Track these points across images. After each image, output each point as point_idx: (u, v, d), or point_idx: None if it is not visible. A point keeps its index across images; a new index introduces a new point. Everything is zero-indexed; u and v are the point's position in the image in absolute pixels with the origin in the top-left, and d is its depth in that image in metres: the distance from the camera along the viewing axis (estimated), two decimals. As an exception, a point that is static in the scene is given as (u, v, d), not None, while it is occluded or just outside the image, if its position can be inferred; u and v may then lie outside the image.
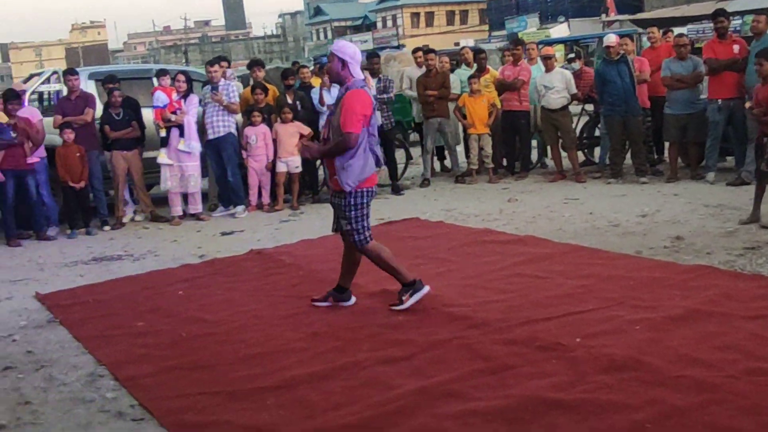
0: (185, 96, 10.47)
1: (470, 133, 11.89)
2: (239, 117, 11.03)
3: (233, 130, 10.80)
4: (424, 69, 12.10)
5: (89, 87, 11.16)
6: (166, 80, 10.58)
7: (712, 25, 11.03)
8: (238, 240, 9.20)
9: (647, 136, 11.18)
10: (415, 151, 13.35)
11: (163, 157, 10.42)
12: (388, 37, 63.97)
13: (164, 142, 10.43)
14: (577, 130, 12.21)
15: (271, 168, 10.91)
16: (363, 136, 5.84)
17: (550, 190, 10.82)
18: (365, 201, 5.95)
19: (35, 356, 5.64)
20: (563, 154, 11.63)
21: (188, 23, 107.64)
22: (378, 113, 11.24)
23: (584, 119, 12.57)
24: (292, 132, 10.82)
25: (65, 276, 8.07)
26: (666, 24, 13.75)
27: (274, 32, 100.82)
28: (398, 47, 40.98)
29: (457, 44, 41.56)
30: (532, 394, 4.26)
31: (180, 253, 8.67)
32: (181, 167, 10.43)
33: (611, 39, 11.02)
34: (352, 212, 5.90)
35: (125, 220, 10.69)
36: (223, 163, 10.75)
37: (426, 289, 6.04)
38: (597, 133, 12.19)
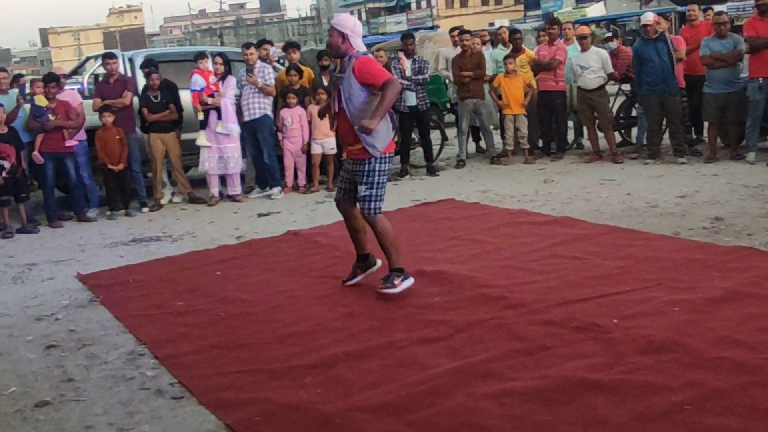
0: (223, 78, 10.53)
1: (506, 114, 11.83)
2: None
3: (269, 112, 10.84)
4: (460, 49, 12.04)
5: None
6: (204, 63, 10.63)
7: (753, 2, 10.84)
8: (275, 221, 9.25)
9: (683, 115, 11.05)
10: (451, 132, 13.32)
11: (202, 139, 10.51)
12: (423, 18, 63.59)
13: (203, 125, 10.52)
14: (614, 110, 12.09)
15: (307, 149, 10.94)
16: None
17: (586, 171, 10.75)
18: (387, 167, 5.99)
19: (77, 335, 5.73)
20: (600, 134, 11.53)
21: (223, 6, 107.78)
22: (412, 94, 11.27)
23: (621, 99, 12.44)
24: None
25: (106, 257, 8.18)
26: (706, 1, 13.56)
27: (309, 14, 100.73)
28: (432, 28, 40.81)
29: (491, 24, 41.28)
30: (570, 375, 4.26)
31: (217, 235, 8.75)
32: (220, 149, 10.52)
33: (648, 17, 10.87)
34: (376, 177, 5.89)
35: (163, 201, 10.79)
36: (259, 145, 10.80)
37: (412, 280, 6.02)
38: (634, 113, 12.07)
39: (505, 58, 11.86)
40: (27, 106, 9.91)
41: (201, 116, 10.50)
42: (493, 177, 11.00)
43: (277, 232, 8.56)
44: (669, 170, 10.23)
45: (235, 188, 10.76)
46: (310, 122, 10.87)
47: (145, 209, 10.50)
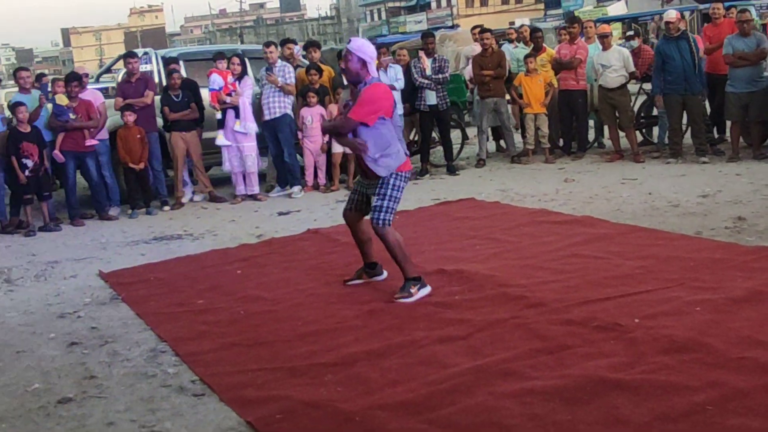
0: (240, 78, 10.58)
1: (527, 113, 11.81)
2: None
3: (289, 111, 10.87)
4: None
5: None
6: (223, 63, 10.67)
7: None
8: (295, 220, 9.28)
9: (704, 114, 10.98)
10: (471, 131, 13.29)
11: (221, 138, 10.58)
12: (443, 17, 63.48)
13: (221, 124, 10.58)
14: (635, 110, 12.03)
15: (327, 148, 10.96)
16: (389, 128, 5.89)
17: (607, 170, 10.70)
18: (403, 185, 5.97)
19: (99, 332, 5.77)
20: (621, 133, 11.48)
21: (243, 6, 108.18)
22: (433, 93, 11.27)
23: (642, 98, 12.38)
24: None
25: (127, 255, 8.23)
26: None
27: (328, 14, 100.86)
28: (453, 27, 40.73)
29: (511, 23, 41.17)
30: (591, 374, 4.24)
31: (238, 233, 8.78)
32: (239, 148, 10.58)
33: (671, 15, 10.81)
34: (390, 190, 5.88)
35: (184, 200, 10.85)
36: (280, 144, 10.83)
37: (429, 289, 5.99)
38: (655, 112, 12.01)
39: (526, 57, 11.84)
40: (49, 106, 9.99)
41: (219, 115, 10.56)
42: (513, 176, 10.97)
43: (297, 230, 8.58)
44: (691, 170, 10.17)
45: (254, 187, 10.80)
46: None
47: (166, 208, 10.56)
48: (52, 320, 6.16)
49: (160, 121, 10.78)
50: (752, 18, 10.64)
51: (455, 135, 12.45)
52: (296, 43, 12.34)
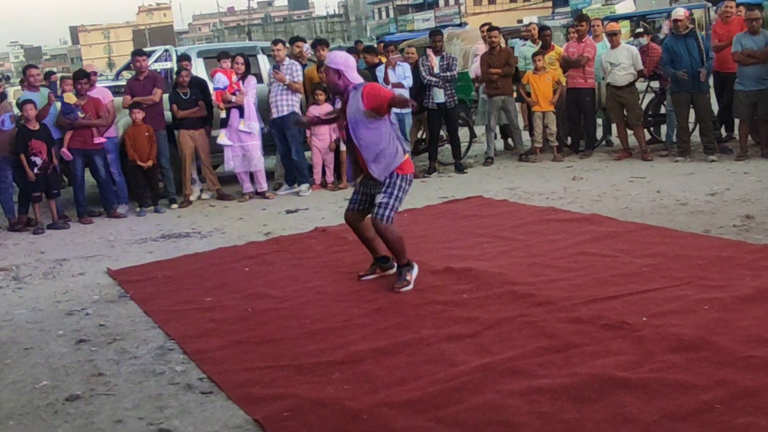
0: (243, 77, 10.58)
1: (534, 111, 11.79)
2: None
3: (297, 109, 10.87)
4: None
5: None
6: (227, 63, 10.67)
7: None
8: (303, 218, 9.28)
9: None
10: (479, 129, 13.28)
11: (223, 137, 10.57)
12: (450, 15, 63.42)
13: (224, 123, 10.58)
14: (643, 108, 11.99)
15: (335, 147, 10.96)
16: (387, 127, 6.03)
17: (615, 169, 10.68)
18: (408, 188, 6.15)
19: (107, 330, 5.79)
20: (629, 131, 11.45)
21: (252, 4, 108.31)
22: (440, 91, 11.26)
23: (650, 96, 12.35)
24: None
25: (135, 252, 8.24)
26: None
27: (337, 12, 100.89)
28: (461, 25, 40.68)
29: (519, 21, 41.12)
30: (598, 373, 4.23)
31: (246, 231, 8.79)
32: (243, 147, 10.57)
33: (680, 12, 10.79)
34: (396, 191, 6.03)
35: (192, 198, 10.86)
36: (288, 142, 10.84)
37: (416, 267, 6.24)
38: (663, 110, 11.98)
39: (534, 55, 11.82)
40: (58, 104, 10.01)
41: (223, 114, 10.56)
42: (521, 174, 10.96)
43: (305, 228, 8.59)
44: (699, 168, 10.14)
45: (262, 185, 10.80)
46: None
47: (174, 206, 10.57)
48: (60, 317, 6.18)
49: (168, 115, 10.75)
50: (761, 16, 10.58)
51: (463, 133, 12.43)
52: (306, 42, 12.35)
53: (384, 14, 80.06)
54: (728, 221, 7.36)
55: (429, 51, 11.61)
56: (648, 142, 11.76)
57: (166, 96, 10.67)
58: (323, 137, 10.93)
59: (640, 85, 11.88)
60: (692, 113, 10.81)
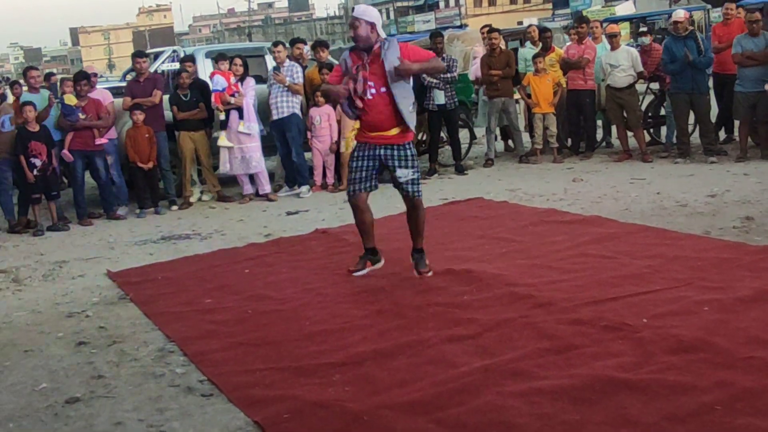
0: (242, 79, 10.57)
1: (535, 113, 11.79)
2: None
3: (297, 111, 10.87)
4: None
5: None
6: (225, 64, 10.66)
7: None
8: (303, 219, 9.28)
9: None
10: (479, 131, 13.28)
11: (223, 140, 10.55)
12: (451, 17, 63.44)
13: (224, 125, 10.56)
14: (643, 109, 11.99)
15: (336, 148, 10.96)
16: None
17: (615, 170, 10.68)
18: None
19: (107, 332, 5.79)
20: (629, 133, 11.45)
21: (252, 5, 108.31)
22: (441, 92, 11.26)
23: (649, 98, 12.35)
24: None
25: (135, 254, 8.24)
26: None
27: (337, 14, 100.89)
28: (461, 27, 40.70)
29: (520, 23, 41.11)
30: (599, 374, 4.23)
31: (246, 233, 8.78)
32: (242, 149, 10.55)
33: (680, 14, 10.81)
34: (414, 162, 6.17)
35: (192, 200, 10.85)
36: (288, 144, 10.84)
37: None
38: (662, 112, 11.98)
39: (535, 56, 11.82)
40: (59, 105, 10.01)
41: (222, 116, 10.54)
42: (521, 176, 10.96)
43: (305, 230, 8.59)
44: (699, 169, 10.14)
45: (264, 186, 10.79)
46: (339, 121, 10.88)
47: (175, 207, 10.57)
48: (60, 320, 6.17)
49: (169, 115, 10.75)
50: (761, 18, 10.58)
51: (463, 134, 12.44)
52: (306, 43, 12.34)
53: (384, 16, 79.93)
54: (728, 223, 7.36)
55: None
56: (648, 143, 11.76)
57: (166, 97, 10.68)
58: (324, 139, 10.93)
59: (640, 86, 11.88)
60: (692, 115, 10.82)
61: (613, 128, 12.01)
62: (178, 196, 10.80)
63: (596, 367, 4.35)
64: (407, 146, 6.17)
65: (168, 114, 10.69)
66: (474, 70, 12.67)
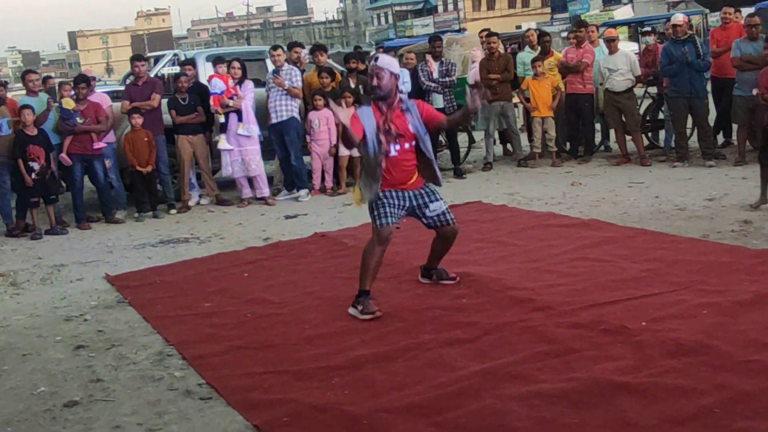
0: (240, 82, 10.58)
1: (534, 116, 11.80)
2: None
3: (296, 115, 10.88)
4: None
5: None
6: (223, 67, 10.66)
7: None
8: (302, 223, 9.28)
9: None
10: (478, 135, 13.29)
11: (223, 143, 10.56)
12: (449, 21, 63.53)
13: (223, 128, 10.56)
14: (641, 113, 11.99)
15: (335, 152, 10.96)
16: None
17: (614, 174, 10.69)
18: None
19: (106, 335, 5.78)
20: (627, 137, 11.46)
21: (250, 9, 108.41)
22: (440, 96, 11.27)
23: (647, 102, 12.36)
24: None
25: (133, 258, 8.24)
26: (733, 4, 13.43)
27: (335, 17, 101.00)
28: (460, 31, 40.76)
29: (518, 27, 41.17)
30: (598, 377, 4.23)
31: (245, 236, 8.78)
32: (241, 152, 10.55)
33: (678, 18, 10.83)
34: (438, 194, 6.12)
35: (191, 203, 10.85)
36: (287, 148, 10.84)
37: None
38: (661, 116, 11.99)
39: (533, 60, 11.82)
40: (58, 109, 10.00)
41: (221, 119, 10.54)
42: (520, 180, 10.97)
43: (304, 234, 8.58)
44: (697, 173, 10.15)
45: (263, 190, 10.79)
46: (337, 125, 10.88)
47: (173, 211, 10.56)
48: (58, 323, 6.17)
49: (168, 118, 10.75)
50: (760, 22, 10.60)
51: (462, 138, 12.44)
52: (303, 47, 12.35)
53: (383, 20, 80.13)
54: (726, 226, 7.36)
55: (428, 56, 11.63)
56: (646, 147, 11.77)
57: (165, 101, 10.68)
58: (323, 142, 10.93)
59: (639, 90, 11.89)
60: (690, 119, 10.83)
61: (612, 132, 12.02)
62: (177, 199, 10.80)
63: (595, 370, 4.35)
64: (427, 184, 6.06)
65: (167, 118, 10.68)
66: (473, 74, 12.67)
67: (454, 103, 11.57)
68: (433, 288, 6.19)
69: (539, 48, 12.30)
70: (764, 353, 4.37)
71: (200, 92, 10.74)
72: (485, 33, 12.64)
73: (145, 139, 10.23)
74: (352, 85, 11.10)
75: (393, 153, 5.80)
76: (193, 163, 10.87)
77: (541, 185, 10.33)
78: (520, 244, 7.33)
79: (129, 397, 4.63)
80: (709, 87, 11.13)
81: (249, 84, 10.70)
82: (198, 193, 11.19)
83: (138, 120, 10.21)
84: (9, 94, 11.96)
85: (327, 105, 10.44)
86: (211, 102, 10.56)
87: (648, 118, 12.22)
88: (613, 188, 9.66)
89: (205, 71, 11.41)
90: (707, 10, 26.90)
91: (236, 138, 10.53)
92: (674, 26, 10.69)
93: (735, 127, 10.99)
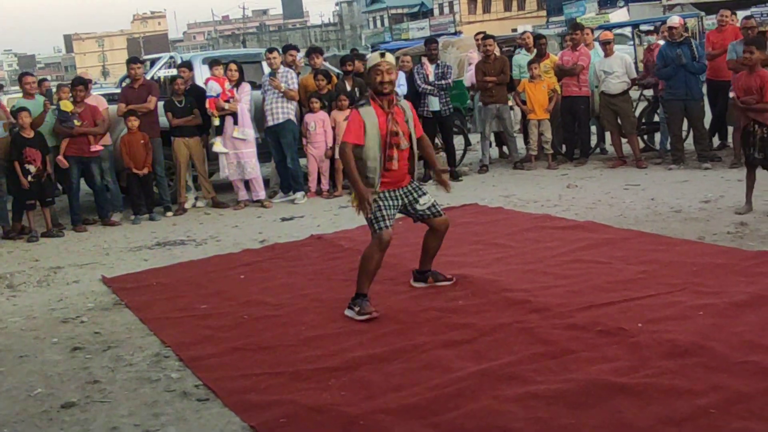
0: (237, 84, 10.58)
1: (530, 119, 11.81)
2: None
3: (292, 117, 10.88)
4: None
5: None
6: (219, 70, 10.65)
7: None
8: (298, 225, 9.28)
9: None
10: (474, 137, 13.30)
11: (218, 146, 10.55)
12: (445, 24, 63.50)
13: (219, 131, 10.55)
14: (636, 115, 12.01)
15: (331, 154, 10.97)
16: None
17: (610, 176, 10.70)
18: None
19: (102, 337, 5.78)
20: (623, 139, 11.49)
21: (246, 12, 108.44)
22: (435, 99, 11.28)
23: (643, 104, 12.38)
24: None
25: (130, 260, 8.24)
26: (729, 6, 13.48)
27: (331, 21, 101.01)
28: (455, 34, 40.79)
29: (514, 30, 41.18)
30: (594, 379, 4.24)
31: (241, 238, 8.78)
32: (237, 155, 10.55)
33: (675, 20, 10.84)
34: (423, 188, 6.15)
35: (187, 206, 10.85)
36: (283, 150, 10.84)
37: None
38: (656, 118, 12.01)
39: (530, 63, 11.84)
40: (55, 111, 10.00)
41: (217, 122, 10.53)
42: (516, 182, 10.98)
43: (300, 236, 8.59)
44: (693, 175, 10.17)
45: (259, 193, 10.79)
46: (333, 127, 10.89)
47: (169, 213, 10.56)
48: (55, 325, 6.17)
49: (164, 121, 10.74)
50: (756, 24, 10.62)
51: (458, 141, 12.46)
52: (298, 50, 12.34)
53: (379, 23, 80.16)
54: (722, 228, 7.38)
55: (424, 59, 11.64)
56: (642, 149, 11.79)
57: (161, 103, 10.67)
58: (319, 145, 10.94)
59: (634, 93, 11.91)
60: (686, 121, 10.85)
61: (607, 135, 12.05)
62: (173, 202, 10.79)
63: (592, 371, 4.36)
64: (412, 180, 6.09)
65: (163, 120, 10.68)
66: (469, 77, 12.70)
67: (450, 106, 11.58)
68: (429, 290, 6.20)
69: (535, 51, 12.32)
70: (760, 354, 4.38)
71: (196, 95, 10.73)
72: (481, 36, 12.65)
73: (142, 141, 10.24)
74: (348, 88, 11.11)
75: (395, 155, 5.84)
76: (190, 166, 10.86)
77: (537, 187, 10.34)
78: (517, 246, 7.34)
79: (126, 399, 4.63)
80: (704, 89, 11.14)
81: (246, 87, 10.70)
82: (194, 196, 11.19)
83: (134, 122, 10.21)
84: (5, 97, 11.98)
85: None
86: (207, 104, 10.57)
87: (644, 120, 12.24)
88: (609, 190, 9.68)
89: (201, 74, 11.40)
90: (703, 13, 26.96)
91: (232, 141, 10.52)
92: (670, 29, 10.72)
93: (730, 129, 11.01)
